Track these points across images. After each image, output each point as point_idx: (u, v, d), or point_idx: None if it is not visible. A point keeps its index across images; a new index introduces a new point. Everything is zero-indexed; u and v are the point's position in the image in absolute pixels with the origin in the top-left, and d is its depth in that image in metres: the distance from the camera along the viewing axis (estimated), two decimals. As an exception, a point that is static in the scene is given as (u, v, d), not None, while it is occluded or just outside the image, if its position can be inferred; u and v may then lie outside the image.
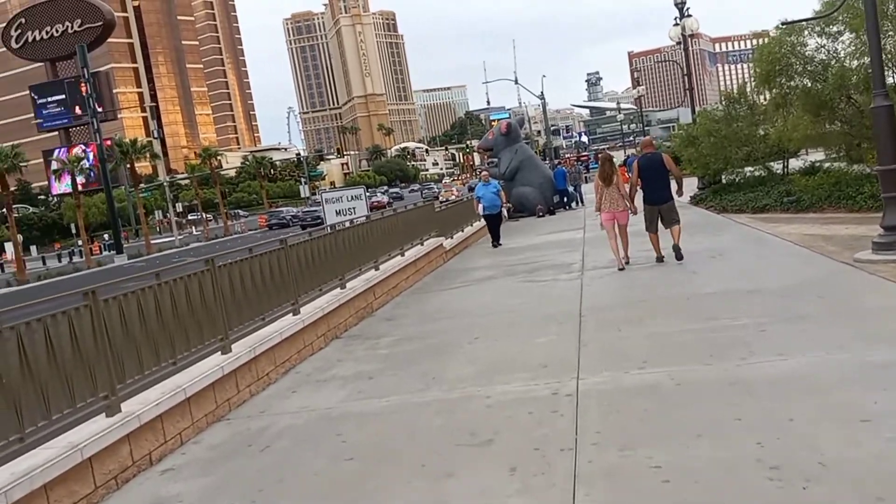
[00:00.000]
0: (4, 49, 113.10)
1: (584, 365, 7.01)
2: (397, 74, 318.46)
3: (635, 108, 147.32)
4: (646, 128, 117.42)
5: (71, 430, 5.65)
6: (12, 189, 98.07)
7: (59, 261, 64.50)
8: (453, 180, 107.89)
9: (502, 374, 7.14)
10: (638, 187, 12.23)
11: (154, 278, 7.01)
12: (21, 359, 5.27)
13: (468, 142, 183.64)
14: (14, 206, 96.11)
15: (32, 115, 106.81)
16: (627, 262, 12.45)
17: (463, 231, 20.80)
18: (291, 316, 9.45)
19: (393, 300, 12.81)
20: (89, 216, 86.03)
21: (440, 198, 65.75)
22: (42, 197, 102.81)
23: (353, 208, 16.96)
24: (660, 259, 12.16)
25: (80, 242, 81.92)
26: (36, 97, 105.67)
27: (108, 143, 63.50)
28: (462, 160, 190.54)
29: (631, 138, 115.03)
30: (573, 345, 7.85)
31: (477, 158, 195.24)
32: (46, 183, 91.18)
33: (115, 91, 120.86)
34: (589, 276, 12.40)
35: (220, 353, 7.81)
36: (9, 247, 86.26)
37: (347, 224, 12.99)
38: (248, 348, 8.09)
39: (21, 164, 44.86)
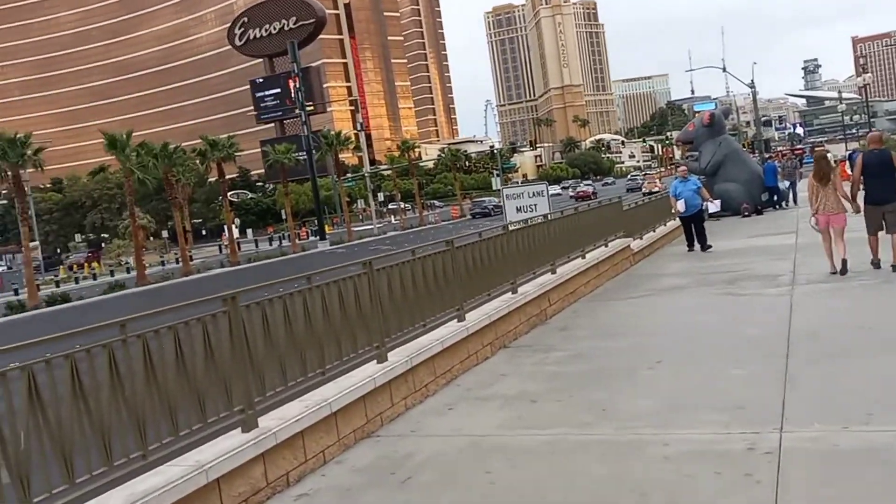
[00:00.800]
0: (229, 47, 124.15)
1: (791, 411, 5.72)
2: (596, 65, 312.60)
3: (859, 97, 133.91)
4: (871, 119, 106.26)
5: (200, 446, 5.29)
6: (233, 176, 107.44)
7: (270, 244, 69.25)
8: (644, 175, 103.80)
9: (685, 414, 6.02)
10: (860, 186, 11.16)
11: (305, 282, 6.57)
12: (147, 367, 4.96)
13: (668, 133, 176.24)
14: (234, 191, 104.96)
15: (252, 107, 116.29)
16: (844, 272, 11.06)
17: (654, 231, 19.26)
18: (456, 322, 8.79)
19: (569, 307, 11.82)
20: (299, 203, 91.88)
21: (643, 189, 63.51)
22: (260, 183, 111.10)
23: (535, 205, 16.06)
24: (875, 264, 10.99)
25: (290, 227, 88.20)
26: (255, 91, 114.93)
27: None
28: (661, 153, 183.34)
29: (854, 131, 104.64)
30: (778, 382, 6.52)
31: (677, 152, 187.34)
32: (263, 171, 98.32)
33: (325, 85, 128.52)
34: (801, 291, 10.72)
35: (375, 362, 7.30)
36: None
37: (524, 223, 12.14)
38: (406, 357, 7.52)
39: (236, 154, 48.41)
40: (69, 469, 4.33)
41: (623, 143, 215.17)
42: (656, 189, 57.28)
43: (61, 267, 72.21)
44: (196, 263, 50.56)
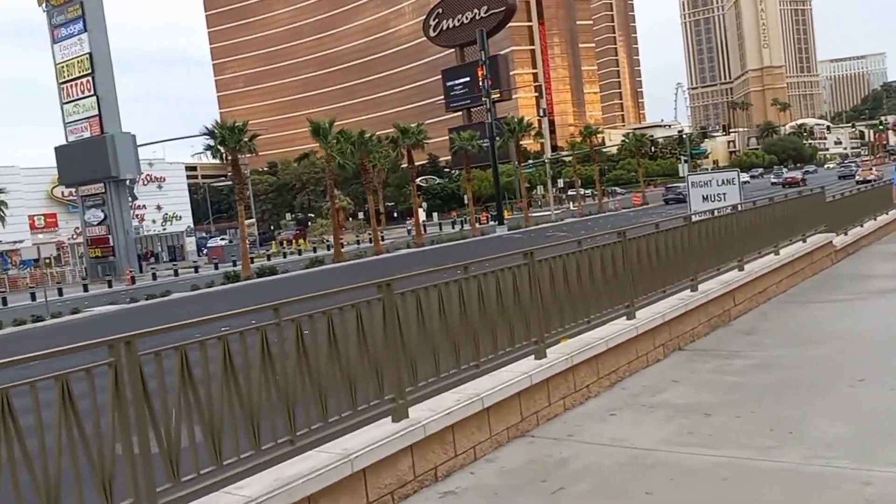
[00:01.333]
0: (424, 38, 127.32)
1: None
2: (800, 44, 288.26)
3: None
4: None
5: (347, 434, 5.08)
6: (422, 162, 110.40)
7: (453, 227, 70.41)
8: (859, 162, 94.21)
9: (894, 447, 5.00)
10: None
11: (462, 271, 6.19)
12: (299, 351, 4.80)
13: (882, 118, 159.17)
14: (423, 177, 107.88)
15: (443, 96, 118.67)
16: None
17: (862, 226, 17.05)
18: (624, 320, 8.08)
19: (757, 308, 10.59)
20: (481, 189, 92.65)
21: (857, 177, 58.03)
22: (447, 169, 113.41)
23: (723, 194, 14.67)
24: None
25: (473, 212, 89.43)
26: (445, 80, 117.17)
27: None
28: (872, 139, 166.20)
29: None
30: None
31: (893, 138, 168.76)
32: (450, 157, 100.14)
33: (512, 73, 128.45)
34: None
35: (532, 357, 6.81)
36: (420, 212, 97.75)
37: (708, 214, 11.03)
38: (566, 355, 6.96)
39: (425, 141, 49.57)
40: (217, 449, 4.26)
41: (828, 128, 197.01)
42: (871, 177, 51.96)
43: (273, 242, 77.85)
44: (386, 243, 52.36)
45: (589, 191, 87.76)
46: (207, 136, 37.31)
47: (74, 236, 61.62)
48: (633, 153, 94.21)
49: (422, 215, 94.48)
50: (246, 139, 37.93)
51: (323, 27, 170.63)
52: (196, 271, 48.52)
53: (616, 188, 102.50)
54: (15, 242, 60.65)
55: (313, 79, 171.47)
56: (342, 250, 45.87)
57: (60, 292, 41.66)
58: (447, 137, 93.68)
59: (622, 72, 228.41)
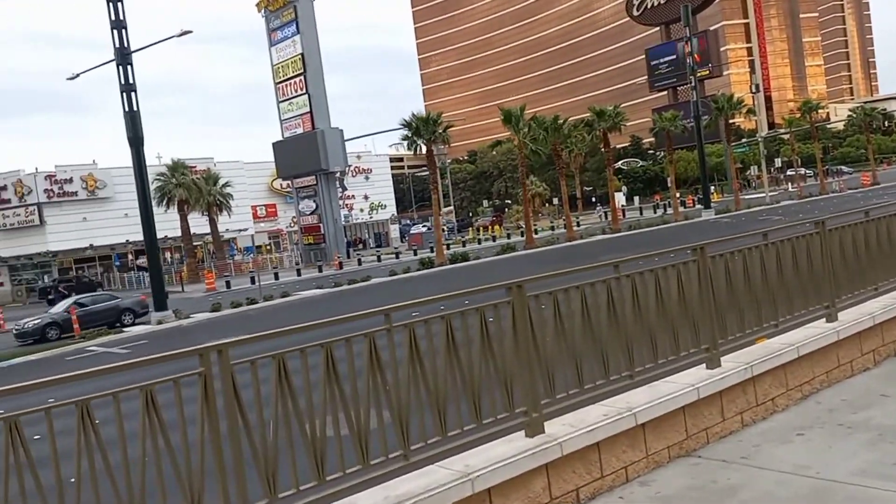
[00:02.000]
0: (627, 18, 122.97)
1: None
2: None
3: None
4: None
5: (471, 449, 4.63)
6: (625, 145, 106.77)
7: (655, 211, 67.43)
8: None
9: None
10: None
11: (613, 270, 5.50)
12: (412, 358, 4.41)
13: None
14: (624, 160, 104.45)
15: (646, 77, 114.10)
16: None
17: None
18: (823, 322, 6.93)
19: None
20: (686, 171, 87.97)
21: None
22: (651, 152, 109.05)
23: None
24: None
25: (677, 195, 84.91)
26: (650, 60, 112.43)
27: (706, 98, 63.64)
28: None
29: None
30: None
31: None
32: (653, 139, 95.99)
33: (723, 48, 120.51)
34: None
35: (704, 366, 5.97)
36: (618, 196, 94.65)
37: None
38: (744, 364, 6.04)
39: (626, 123, 47.71)
40: (319, 464, 4.01)
41: None
42: None
43: (470, 229, 79.34)
44: (580, 229, 51.22)
45: (811, 171, 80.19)
46: (405, 128, 38.43)
47: (291, 225, 66.49)
48: (861, 128, 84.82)
49: (621, 199, 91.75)
50: (440, 130, 38.61)
51: (524, 15, 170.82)
52: (397, 257, 50.42)
53: (842, 167, 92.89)
54: (239, 231, 66.64)
55: (514, 67, 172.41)
56: (535, 236, 45.59)
57: (276, 276, 45.15)
58: (651, 119, 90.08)
59: (851, 41, 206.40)
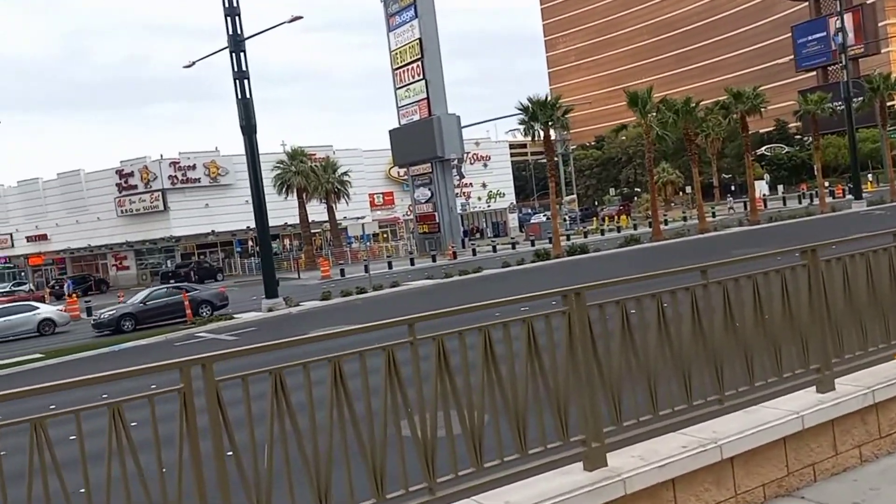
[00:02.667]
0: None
1: None
2: None
3: None
4: None
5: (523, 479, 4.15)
6: (769, 129, 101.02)
7: (800, 202, 63.46)
8: None
9: None
10: None
11: (700, 276, 4.84)
12: (440, 376, 3.97)
13: None
14: (768, 145, 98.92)
15: (792, 56, 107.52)
16: None
17: None
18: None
19: None
20: (838, 157, 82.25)
21: None
22: (798, 136, 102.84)
23: None
24: None
25: (826, 184, 79.33)
26: (796, 38, 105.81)
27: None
28: None
29: None
30: None
31: None
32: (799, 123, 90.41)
33: (881, 23, 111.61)
34: None
35: (813, 389, 5.21)
36: (759, 185, 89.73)
37: None
38: (865, 388, 5.23)
39: (767, 106, 44.85)
40: (381, 486, 3.66)
41: None
42: None
43: (594, 218, 77.64)
44: (714, 221, 48.85)
45: None
46: (522, 113, 37.74)
47: (407, 213, 67.28)
48: None
49: (763, 188, 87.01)
50: (559, 114, 37.64)
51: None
52: (513, 247, 49.91)
53: None
54: (357, 218, 68.09)
55: (645, 48, 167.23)
56: (665, 227, 43.89)
57: (390, 265, 45.71)
58: (793, 102, 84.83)
59: None
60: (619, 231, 54.90)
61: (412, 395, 3.84)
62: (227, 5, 28.17)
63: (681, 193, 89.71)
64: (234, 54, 28.32)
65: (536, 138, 39.32)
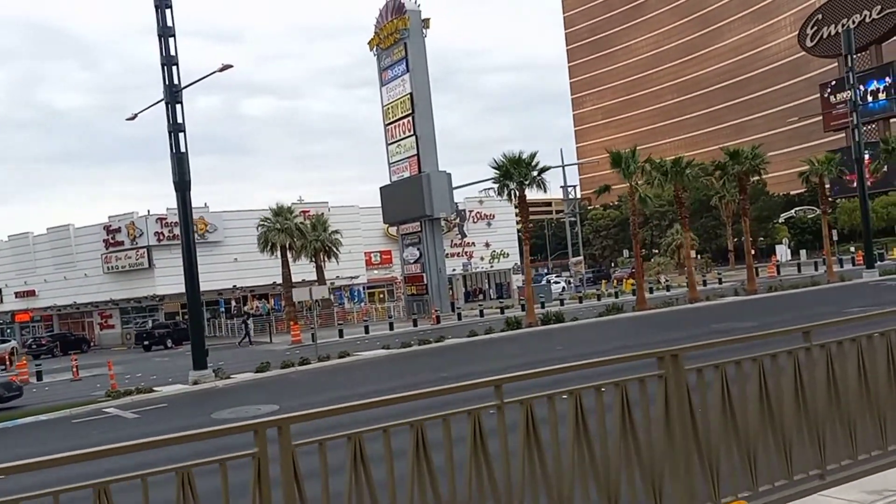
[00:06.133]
0: (802, 53, 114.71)
1: None
2: None
3: None
4: None
5: None
6: (800, 191, 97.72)
7: (816, 268, 60.48)
8: None
9: None
10: None
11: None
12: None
13: None
14: (799, 207, 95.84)
15: (820, 116, 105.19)
16: None
17: None
18: None
19: None
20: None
21: None
22: (832, 199, 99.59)
23: None
24: None
25: (851, 249, 76.16)
26: (824, 96, 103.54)
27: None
28: None
29: None
30: None
31: None
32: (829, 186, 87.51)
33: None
34: None
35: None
36: (780, 249, 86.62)
37: None
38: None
39: (760, 167, 42.58)
40: None
41: None
42: None
43: (603, 281, 75.31)
44: (706, 290, 46.43)
45: None
46: (495, 170, 36.14)
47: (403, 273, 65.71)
48: None
49: (784, 253, 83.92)
50: (534, 173, 35.89)
51: (687, 50, 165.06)
52: (502, 312, 47.84)
53: None
54: (351, 278, 66.69)
55: (673, 106, 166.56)
56: (659, 294, 41.59)
57: (367, 329, 43.90)
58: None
59: None
60: (616, 296, 52.49)
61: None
62: (163, 54, 27.20)
63: (699, 257, 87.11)
64: (169, 105, 27.27)
65: (513, 198, 37.63)
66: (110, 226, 61.94)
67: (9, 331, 68.29)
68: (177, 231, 59.09)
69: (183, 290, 59.77)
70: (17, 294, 67.28)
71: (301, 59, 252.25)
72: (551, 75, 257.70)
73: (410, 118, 53.44)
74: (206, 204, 62.61)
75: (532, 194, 37.67)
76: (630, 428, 3.88)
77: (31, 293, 66.26)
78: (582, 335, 30.23)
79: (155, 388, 26.07)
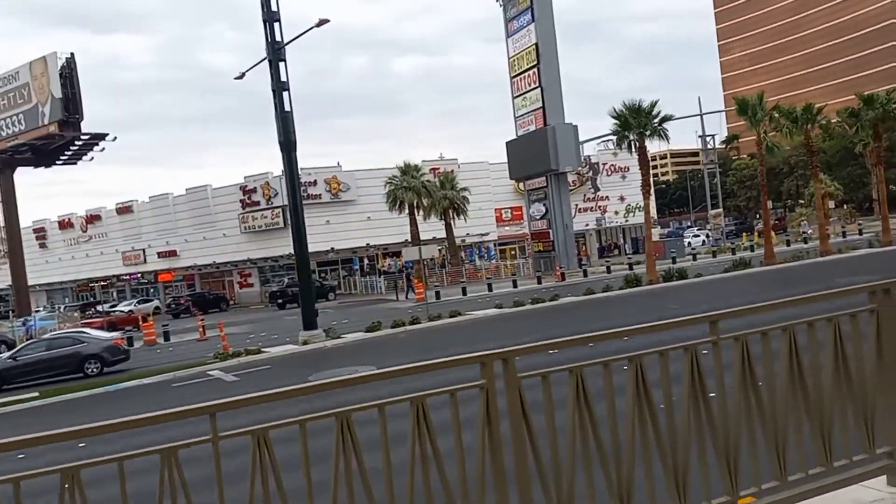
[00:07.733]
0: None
1: None
2: None
3: None
4: None
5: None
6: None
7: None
8: None
9: None
10: None
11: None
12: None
13: None
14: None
15: None
16: None
17: None
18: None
19: None
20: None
21: None
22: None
23: None
24: None
25: None
26: None
27: None
28: None
29: None
30: None
31: None
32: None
33: None
34: None
35: (881, 479, 4.29)
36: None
37: None
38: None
39: (895, 111, 39.25)
40: None
41: None
42: None
43: (744, 234, 71.87)
44: (842, 241, 43.58)
45: None
46: (615, 120, 34.80)
47: (534, 229, 65.08)
48: None
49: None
50: (655, 122, 34.31)
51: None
52: (630, 268, 46.52)
53: None
54: (481, 235, 66.65)
55: (821, 52, 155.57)
56: (787, 248, 39.18)
57: (490, 287, 43.74)
58: None
59: None
60: (752, 250, 49.83)
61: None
62: (264, 10, 26.78)
63: (845, 207, 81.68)
64: (272, 63, 26.98)
65: (634, 149, 36.16)
66: (246, 186, 64.16)
67: (153, 290, 72.57)
68: (311, 191, 61.02)
69: (319, 249, 62.51)
70: (159, 254, 70.11)
71: (440, 14, 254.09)
72: (693, 23, 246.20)
73: (536, 69, 52.41)
74: (338, 163, 64.14)
75: (653, 147, 36.18)
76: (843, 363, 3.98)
77: (173, 253, 69.05)
78: (698, 294, 28.60)
79: (264, 350, 25.98)
